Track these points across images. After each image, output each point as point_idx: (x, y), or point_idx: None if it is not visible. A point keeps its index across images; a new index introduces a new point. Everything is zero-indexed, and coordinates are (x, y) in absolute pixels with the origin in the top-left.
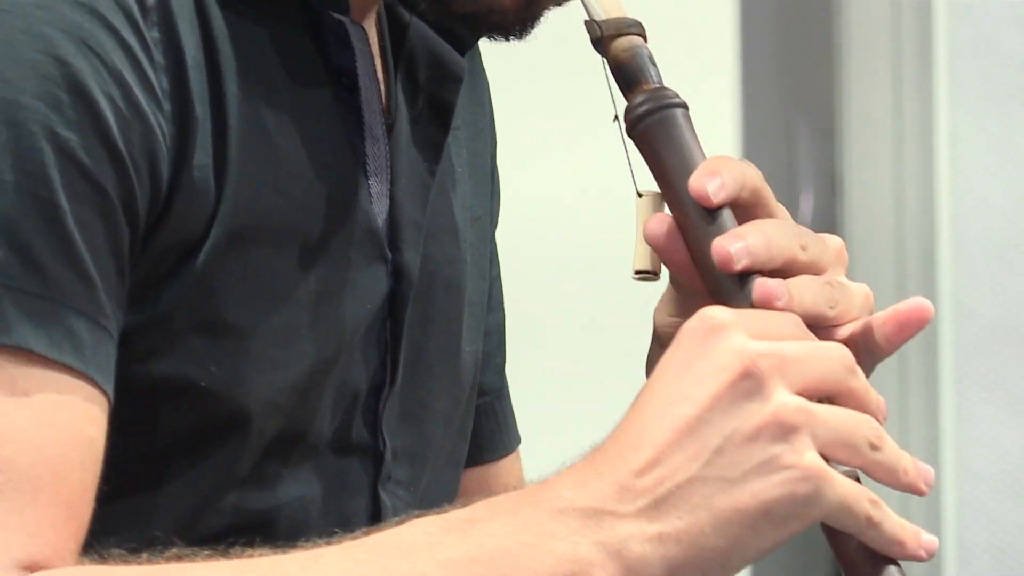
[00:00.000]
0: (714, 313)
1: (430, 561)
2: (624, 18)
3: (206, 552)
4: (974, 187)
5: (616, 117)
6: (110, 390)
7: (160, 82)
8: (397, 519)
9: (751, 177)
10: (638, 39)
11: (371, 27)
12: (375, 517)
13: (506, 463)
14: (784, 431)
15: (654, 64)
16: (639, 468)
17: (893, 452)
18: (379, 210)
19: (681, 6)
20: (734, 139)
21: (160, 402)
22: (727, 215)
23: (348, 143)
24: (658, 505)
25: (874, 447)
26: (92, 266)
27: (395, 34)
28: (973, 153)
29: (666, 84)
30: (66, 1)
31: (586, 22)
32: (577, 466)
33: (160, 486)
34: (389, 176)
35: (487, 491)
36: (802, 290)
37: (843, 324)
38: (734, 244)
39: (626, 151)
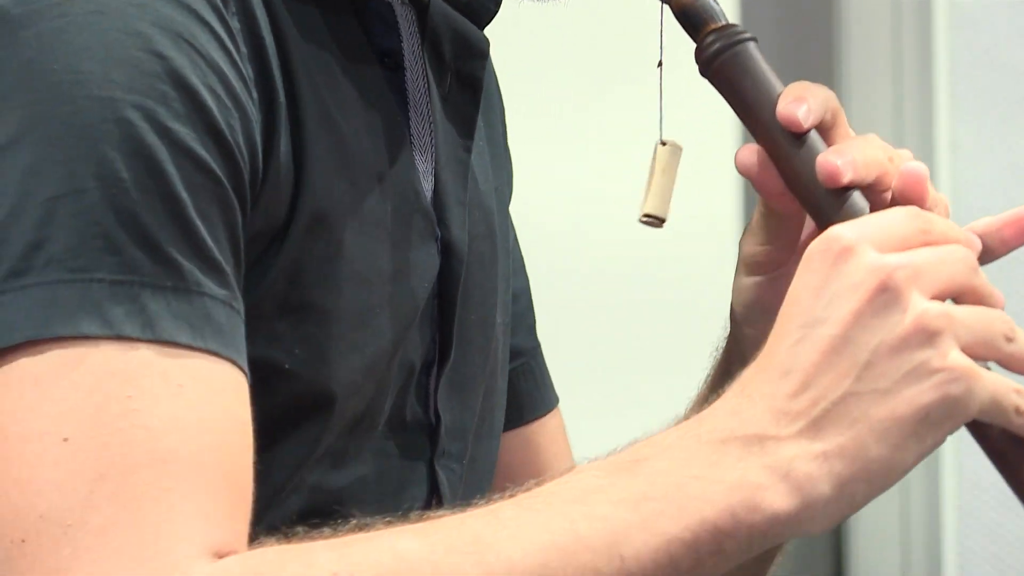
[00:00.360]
0: (839, 232)
1: (605, 502)
2: None
3: (387, 519)
4: (974, 197)
5: (660, 63)
6: (247, 370)
7: (247, 70)
8: (563, 469)
9: (832, 100)
10: None
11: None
12: (432, 492)
13: (548, 420)
14: (928, 336)
15: (717, 3)
16: (791, 392)
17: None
18: (427, 187)
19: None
20: (735, 150)
21: (251, 385)
22: (816, 138)
23: (397, 122)
24: (817, 424)
25: (1008, 339)
26: (217, 253)
27: (416, 13)
28: (973, 162)
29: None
30: None
31: None
32: (727, 397)
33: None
34: (434, 154)
35: (533, 448)
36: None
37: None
38: (839, 159)
39: (660, 98)
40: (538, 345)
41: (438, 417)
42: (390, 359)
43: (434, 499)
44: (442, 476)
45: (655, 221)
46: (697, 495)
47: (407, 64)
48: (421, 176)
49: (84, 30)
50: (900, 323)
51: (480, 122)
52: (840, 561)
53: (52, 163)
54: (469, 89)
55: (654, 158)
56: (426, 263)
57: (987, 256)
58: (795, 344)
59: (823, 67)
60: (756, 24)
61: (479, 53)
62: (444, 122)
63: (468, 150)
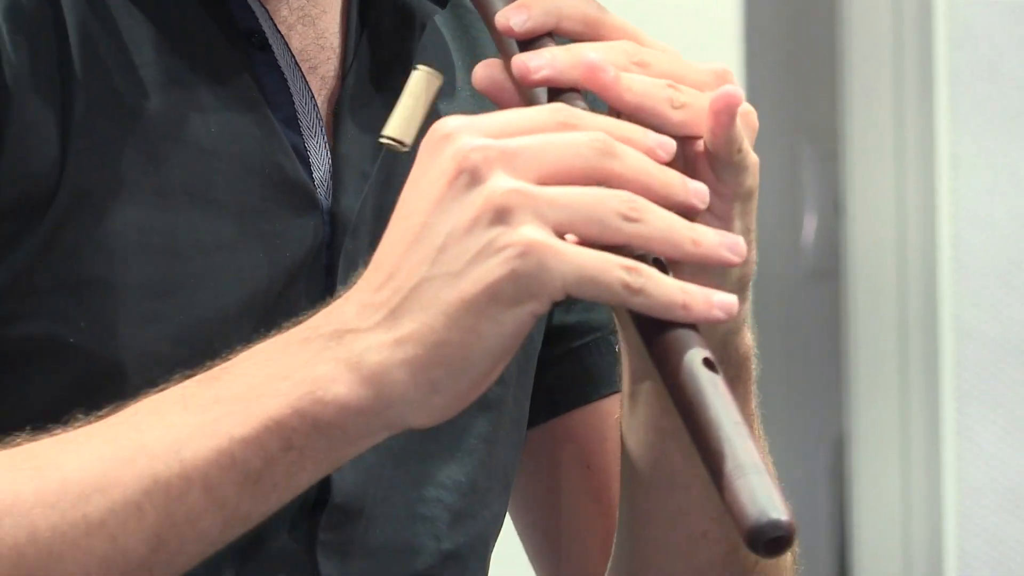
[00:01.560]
0: (445, 122)
1: (178, 411)
2: None
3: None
4: (974, 207)
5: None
6: None
7: None
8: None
9: (574, 8)
10: None
11: None
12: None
13: (616, 399)
14: (499, 214)
15: None
16: (377, 284)
17: (663, 221)
18: (319, 163)
19: (684, 32)
20: None
21: (34, 362)
22: (549, 43)
23: (254, 100)
24: (394, 313)
25: (629, 219)
26: None
27: None
28: (973, 174)
29: None
30: None
31: None
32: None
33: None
34: (326, 132)
35: (604, 428)
36: (632, 78)
37: (699, 136)
38: (533, 58)
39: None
40: (612, 320)
41: None
42: (229, 327)
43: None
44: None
45: (397, 144)
46: (264, 393)
47: (271, 42)
48: (311, 152)
49: None
50: (472, 203)
51: (471, 105)
52: (843, 565)
53: None
54: (402, 64)
55: (408, 83)
56: (296, 233)
57: (717, 152)
58: (388, 239)
59: (825, 80)
60: (758, 38)
61: (417, 26)
62: (361, 100)
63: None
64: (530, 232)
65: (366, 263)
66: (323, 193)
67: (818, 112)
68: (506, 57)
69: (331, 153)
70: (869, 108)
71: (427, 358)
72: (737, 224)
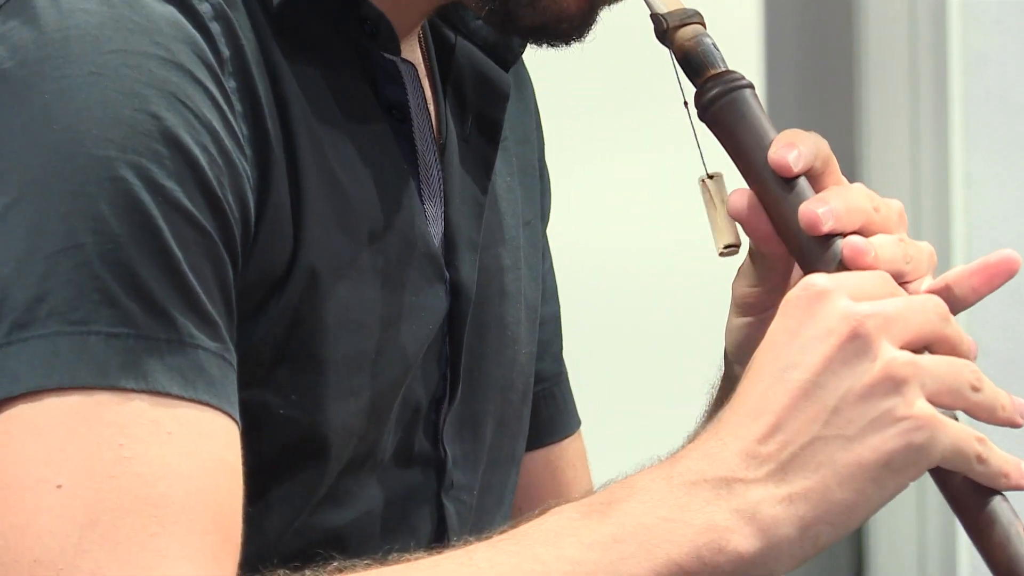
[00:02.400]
0: (815, 280)
1: (576, 545)
2: (685, 9)
3: (366, 562)
4: (988, 229)
5: (685, 103)
6: (239, 418)
7: (241, 128)
8: (539, 509)
9: (823, 148)
10: (700, 27)
11: (415, 50)
12: (440, 524)
13: (569, 444)
14: (895, 385)
15: (717, 49)
16: (761, 435)
17: (992, 391)
18: (435, 232)
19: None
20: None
21: (251, 430)
22: (804, 184)
23: (403, 172)
24: (784, 468)
25: (975, 389)
26: (209, 306)
27: (441, 56)
28: (987, 197)
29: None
30: (153, 58)
31: (652, 16)
32: (701, 438)
33: (246, 510)
34: (443, 198)
35: (552, 470)
36: (882, 247)
37: (917, 279)
38: (820, 207)
39: (695, 136)
40: (562, 371)
41: (446, 451)
42: (389, 401)
43: (441, 532)
44: (450, 508)
45: (734, 249)
46: (665, 537)
47: (413, 115)
48: (430, 221)
49: (83, 91)
50: (869, 371)
51: (512, 154)
52: (860, 562)
53: (53, 220)
54: (488, 131)
55: (704, 193)
56: (433, 305)
57: (959, 305)
58: (767, 387)
59: (843, 110)
60: (778, 72)
61: (500, 95)
62: (460, 165)
63: (485, 191)
64: (924, 407)
65: (468, 332)
66: (442, 262)
67: (837, 142)
68: (758, 187)
69: (444, 220)
70: (887, 135)
71: (816, 516)
72: None
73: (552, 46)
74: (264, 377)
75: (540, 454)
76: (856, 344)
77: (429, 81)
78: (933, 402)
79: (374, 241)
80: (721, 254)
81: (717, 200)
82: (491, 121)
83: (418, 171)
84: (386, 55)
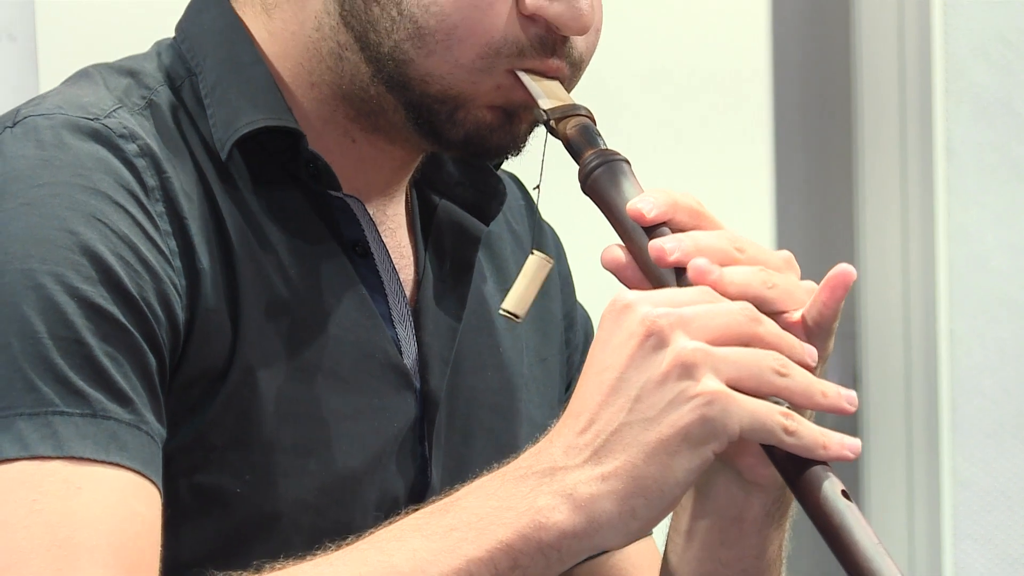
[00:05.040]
0: (622, 295)
1: (418, 537)
2: (570, 104)
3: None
4: (971, 377)
5: (537, 187)
6: (157, 479)
7: (168, 244)
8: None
9: (684, 202)
10: (585, 119)
11: (397, 208)
12: None
13: (631, 547)
14: (687, 369)
15: (600, 136)
16: (580, 429)
17: (803, 377)
18: (408, 351)
19: (719, 162)
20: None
21: (208, 508)
22: (666, 231)
23: (362, 296)
24: (598, 452)
25: (780, 374)
26: (126, 387)
27: (425, 213)
28: (973, 241)
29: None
30: (75, 187)
31: (535, 110)
32: (537, 440)
33: None
34: (413, 324)
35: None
36: (734, 271)
37: (792, 309)
38: (667, 243)
39: (537, 214)
40: None
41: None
42: (354, 484)
43: None
44: None
45: (512, 316)
46: (494, 521)
47: (373, 250)
48: (402, 342)
49: (15, 220)
50: (662, 360)
51: (532, 307)
52: None
53: None
54: (462, 271)
55: (525, 265)
56: (399, 409)
57: (824, 323)
58: (586, 390)
59: (845, 224)
60: (786, 187)
61: (472, 241)
62: (434, 298)
63: (459, 319)
64: (713, 384)
65: (447, 434)
66: (414, 375)
67: (838, 250)
68: (627, 240)
69: (417, 341)
70: (881, 246)
71: (629, 490)
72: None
73: (491, 161)
74: (219, 461)
75: (602, 561)
76: (652, 341)
77: (410, 234)
78: (736, 387)
79: (322, 348)
80: (501, 314)
81: (533, 273)
82: (465, 263)
83: (386, 299)
84: (332, 192)
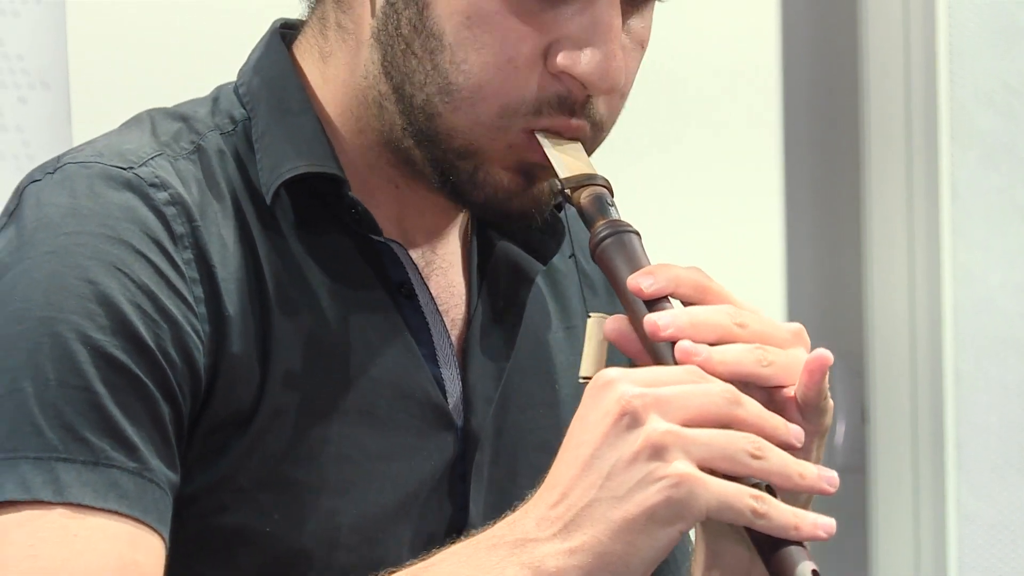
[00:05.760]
0: (605, 372)
1: None
2: (586, 174)
3: None
4: (976, 414)
5: (571, 256)
6: (161, 527)
7: (193, 291)
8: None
9: (688, 277)
10: (600, 189)
11: (449, 247)
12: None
13: None
14: (656, 450)
15: (614, 206)
16: (553, 502)
17: (779, 459)
18: (452, 390)
19: (730, 225)
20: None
21: (235, 548)
22: (667, 306)
23: (404, 337)
24: (567, 527)
25: (755, 456)
26: (134, 435)
27: (483, 251)
28: (976, 284)
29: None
30: (100, 236)
31: (550, 181)
32: (514, 510)
33: None
34: (458, 364)
35: None
36: (725, 351)
37: (787, 384)
38: (662, 318)
39: (580, 282)
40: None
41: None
42: (388, 523)
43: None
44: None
45: (587, 381)
46: None
47: (417, 292)
48: (446, 381)
49: (39, 268)
50: (634, 440)
51: (579, 334)
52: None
53: (4, 372)
54: (515, 311)
55: (587, 329)
56: (438, 447)
57: (810, 401)
58: (562, 464)
59: (854, 303)
60: (796, 273)
61: (527, 280)
62: (482, 337)
63: (507, 358)
64: (682, 466)
65: (490, 471)
66: (456, 414)
67: (847, 332)
68: (630, 312)
69: (461, 381)
70: (888, 287)
71: (595, 565)
72: (814, 455)
73: (515, 225)
74: (247, 502)
75: None
76: (626, 420)
77: (465, 273)
78: (709, 468)
79: (359, 389)
80: (580, 381)
81: (596, 334)
82: (518, 303)
83: (431, 340)
84: (372, 236)
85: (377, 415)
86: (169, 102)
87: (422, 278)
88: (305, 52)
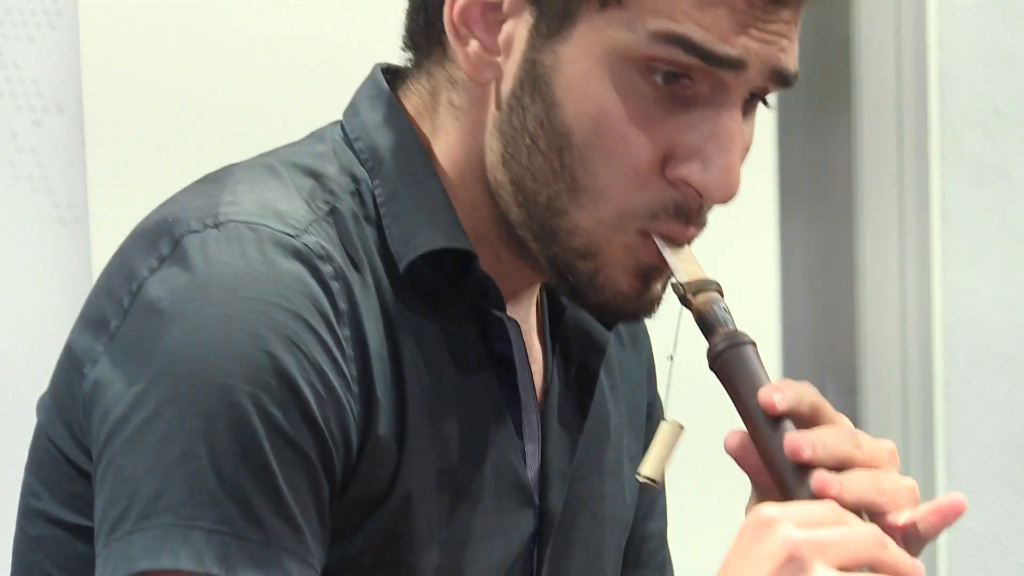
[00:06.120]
0: (764, 510)
1: None
2: (703, 279)
3: None
4: (966, 429)
5: (671, 357)
6: None
7: (350, 370)
8: None
9: (809, 394)
10: (715, 294)
11: (530, 312)
12: None
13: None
14: None
15: (729, 313)
16: None
17: None
18: (532, 464)
19: (724, 246)
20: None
21: None
22: (790, 424)
23: (504, 414)
24: None
25: None
26: (300, 516)
27: (554, 316)
28: (969, 300)
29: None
30: (276, 306)
31: (672, 284)
32: None
33: None
34: (541, 439)
35: None
36: (853, 481)
37: (894, 511)
38: (802, 438)
39: (668, 384)
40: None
41: None
42: None
43: None
44: None
45: (652, 483)
46: None
47: (518, 367)
48: (527, 456)
49: (215, 330)
50: None
51: (622, 398)
52: None
53: (178, 434)
54: (586, 379)
55: (658, 431)
56: (520, 526)
57: (925, 537)
58: None
59: (847, 327)
60: (792, 312)
61: (599, 349)
62: (558, 409)
63: (580, 429)
64: None
65: (552, 542)
66: (535, 491)
67: (841, 351)
68: (751, 427)
69: (541, 455)
70: (881, 305)
71: None
72: None
73: (624, 321)
74: None
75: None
76: (793, 565)
77: (540, 337)
78: None
79: (468, 471)
80: (639, 479)
81: (667, 439)
82: (590, 371)
83: (520, 415)
84: (495, 311)
85: (480, 497)
86: (180, 125)
87: (526, 354)
88: (419, 118)
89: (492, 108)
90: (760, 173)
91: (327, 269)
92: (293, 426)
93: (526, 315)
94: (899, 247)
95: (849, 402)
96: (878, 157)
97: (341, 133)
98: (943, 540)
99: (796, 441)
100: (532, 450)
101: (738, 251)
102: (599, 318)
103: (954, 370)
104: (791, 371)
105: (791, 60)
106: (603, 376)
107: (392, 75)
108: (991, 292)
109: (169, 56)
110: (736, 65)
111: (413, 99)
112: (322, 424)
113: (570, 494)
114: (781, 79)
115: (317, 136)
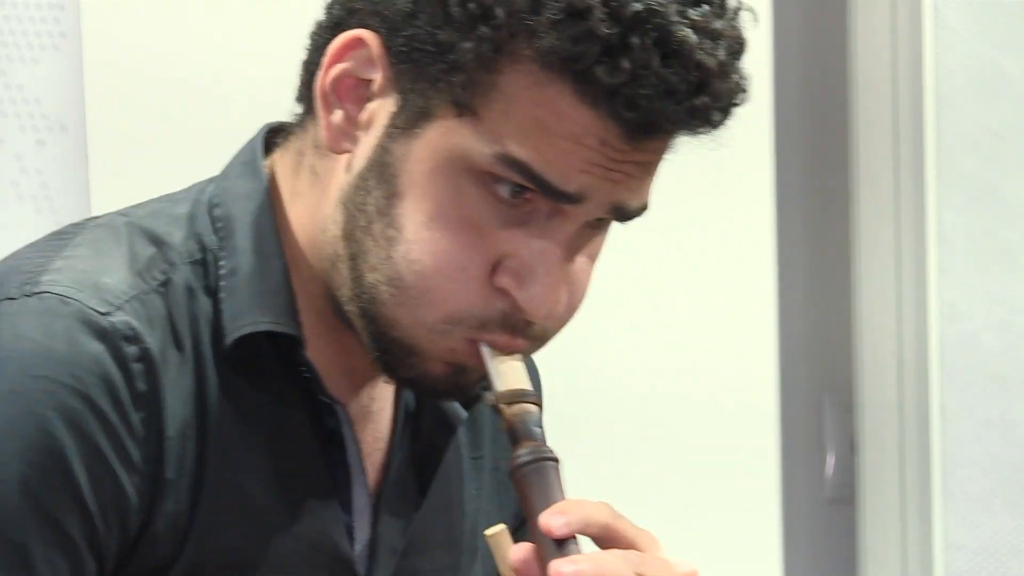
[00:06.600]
0: None
1: None
2: (519, 389)
3: None
4: (961, 447)
5: (503, 467)
6: None
7: (139, 452)
8: None
9: (597, 518)
10: (530, 406)
11: (377, 387)
12: None
13: None
14: None
15: (540, 427)
16: None
17: None
18: (360, 539)
19: (720, 263)
20: (774, 412)
21: None
22: (575, 547)
23: (327, 489)
24: None
25: None
26: None
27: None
28: (963, 318)
29: (546, 443)
30: (67, 387)
31: (485, 393)
32: None
33: None
34: (372, 515)
35: None
36: None
37: None
38: (565, 567)
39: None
40: None
41: None
42: None
43: None
44: None
45: None
46: None
47: (347, 445)
48: (356, 531)
49: (1, 405)
50: None
51: (486, 473)
52: None
53: None
54: (432, 458)
55: (490, 544)
56: None
57: None
58: None
59: (845, 342)
60: (789, 319)
61: (450, 428)
62: (397, 484)
63: (418, 506)
64: None
65: None
66: (361, 563)
67: (839, 372)
68: (538, 543)
69: (371, 529)
70: (877, 325)
71: None
72: None
73: (437, 399)
74: None
75: None
76: None
77: (395, 407)
78: None
79: (279, 545)
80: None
81: (501, 550)
82: (436, 449)
83: (350, 491)
84: (320, 396)
85: (287, 569)
86: (183, 146)
87: (354, 432)
88: (281, 180)
89: (342, 180)
90: (756, 193)
91: (130, 351)
92: (58, 507)
93: (371, 391)
94: (895, 267)
95: (846, 420)
96: (874, 178)
97: (208, 195)
98: (938, 555)
99: (559, 569)
100: (361, 524)
101: (735, 271)
102: (413, 391)
103: (949, 389)
104: (789, 390)
105: (638, 197)
106: (464, 448)
107: (277, 132)
108: (986, 312)
109: (171, 77)
110: (572, 200)
111: (286, 158)
112: (94, 510)
113: (405, 567)
114: (621, 214)
115: (187, 193)
